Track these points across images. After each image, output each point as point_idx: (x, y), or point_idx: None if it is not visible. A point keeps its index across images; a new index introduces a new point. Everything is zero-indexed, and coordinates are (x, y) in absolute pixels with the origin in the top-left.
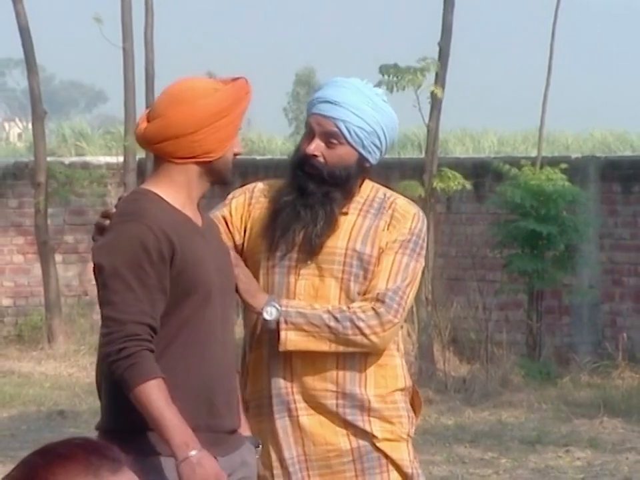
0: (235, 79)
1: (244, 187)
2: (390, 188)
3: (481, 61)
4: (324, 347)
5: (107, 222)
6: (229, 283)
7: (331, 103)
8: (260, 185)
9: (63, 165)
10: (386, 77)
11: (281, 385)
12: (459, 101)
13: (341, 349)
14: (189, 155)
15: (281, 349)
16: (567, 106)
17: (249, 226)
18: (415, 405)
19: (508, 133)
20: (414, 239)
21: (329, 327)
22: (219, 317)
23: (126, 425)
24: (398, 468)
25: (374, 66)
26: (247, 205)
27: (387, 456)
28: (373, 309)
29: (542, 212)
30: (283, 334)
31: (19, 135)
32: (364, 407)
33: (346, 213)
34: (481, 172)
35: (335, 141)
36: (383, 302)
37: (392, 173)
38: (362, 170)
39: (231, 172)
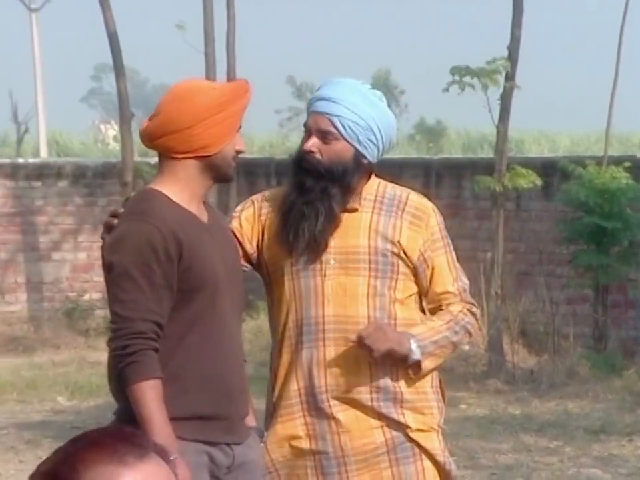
0: (237, 81)
1: (251, 198)
2: (397, 183)
3: (555, 64)
4: (445, 357)
5: (116, 221)
6: (236, 275)
7: (326, 100)
8: (266, 194)
9: (149, 164)
10: (457, 77)
11: (315, 384)
12: (535, 102)
13: (453, 352)
14: (187, 149)
15: (418, 376)
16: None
17: (263, 235)
18: (443, 394)
19: (582, 133)
20: (444, 233)
21: (453, 343)
22: (228, 309)
23: None
24: (430, 457)
25: (446, 67)
26: (256, 215)
27: (419, 445)
28: (469, 310)
29: (606, 209)
30: (423, 365)
31: (114, 137)
32: (397, 399)
33: (357, 209)
34: (549, 171)
35: (330, 137)
36: (467, 301)
37: (464, 171)
38: (359, 166)
39: (233, 169)
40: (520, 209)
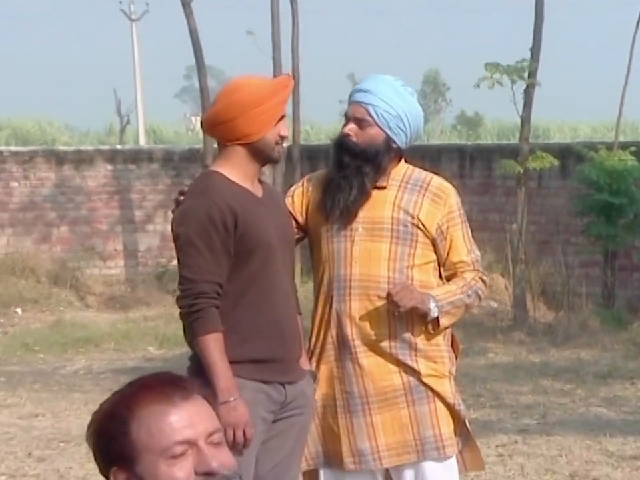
0: (280, 76)
1: (301, 180)
2: (424, 169)
3: (578, 60)
4: (459, 316)
5: (182, 198)
6: (288, 240)
7: (364, 91)
8: (313, 175)
9: None
10: (489, 73)
11: (344, 332)
12: (560, 94)
13: (465, 313)
14: (233, 137)
15: (436, 332)
16: None
17: (308, 207)
18: (454, 348)
19: (600, 122)
20: (462, 211)
21: (466, 304)
22: (281, 268)
23: None
24: (442, 399)
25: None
26: (304, 192)
27: (432, 389)
28: (480, 278)
29: (614, 187)
30: (440, 322)
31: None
32: (412, 348)
33: (384, 187)
34: (566, 154)
35: (365, 123)
36: (478, 270)
37: (493, 155)
38: (390, 149)
39: (277, 152)
40: (541, 187)
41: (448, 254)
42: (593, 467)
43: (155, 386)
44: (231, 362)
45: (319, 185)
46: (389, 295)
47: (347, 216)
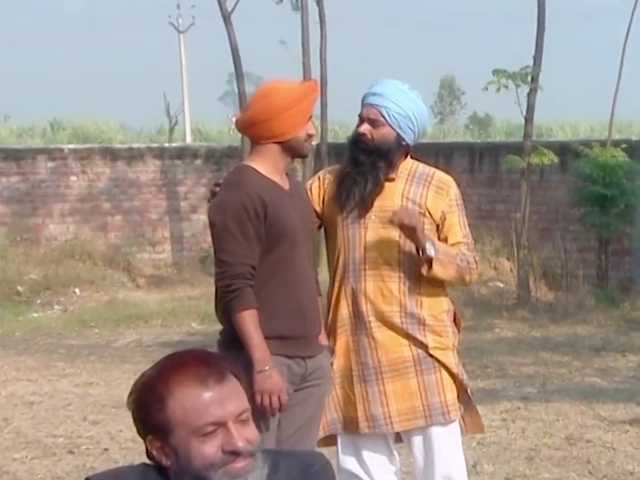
0: (307, 81)
1: (317, 174)
2: (437, 164)
3: (577, 63)
4: (450, 275)
5: (218, 189)
6: (310, 228)
7: (377, 95)
8: (328, 169)
9: None
10: (496, 77)
11: (359, 310)
12: (562, 96)
13: (456, 278)
14: (268, 136)
15: (428, 274)
16: None
17: (325, 198)
18: (457, 324)
19: (598, 121)
20: (460, 201)
21: (458, 265)
22: (304, 254)
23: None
24: (447, 369)
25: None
26: (321, 184)
27: (438, 360)
28: (473, 257)
29: (607, 180)
30: (434, 267)
31: None
32: (420, 323)
33: (394, 179)
34: (565, 151)
35: (379, 123)
36: (472, 251)
37: (500, 152)
38: (400, 146)
39: (306, 148)
40: (542, 180)
41: (446, 237)
42: (586, 430)
43: (192, 366)
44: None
45: (333, 178)
46: (394, 213)
47: (363, 206)
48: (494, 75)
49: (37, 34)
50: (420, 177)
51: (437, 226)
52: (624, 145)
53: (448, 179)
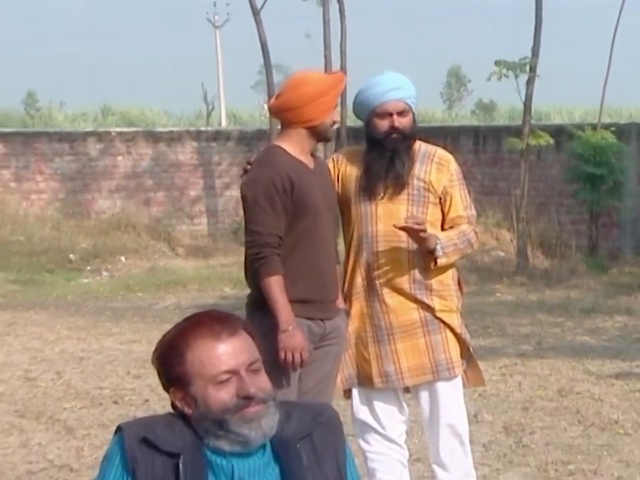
0: (335, 72)
1: (332, 156)
2: (445, 146)
3: (575, 52)
4: (454, 259)
5: (249, 167)
6: (332, 204)
7: (396, 89)
8: (342, 151)
9: None
10: (497, 68)
11: (372, 278)
12: (559, 82)
13: (460, 257)
14: (298, 122)
15: (436, 267)
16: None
17: (339, 178)
18: (460, 288)
19: (593, 106)
20: (460, 175)
21: (460, 249)
22: (325, 227)
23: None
24: (451, 329)
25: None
26: (335, 165)
27: (443, 322)
28: (473, 230)
29: (597, 160)
30: (439, 261)
31: None
32: (427, 289)
33: None
34: (560, 133)
35: (405, 113)
36: (472, 224)
37: (502, 134)
38: (416, 125)
39: (331, 133)
40: (539, 160)
41: (448, 210)
42: (576, 384)
43: (207, 323)
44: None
45: (348, 160)
46: (407, 219)
47: (400, 184)
48: (496, 65)
49: (89, 30)
50: (423, 155)
51: (440, 199)
52: (613, 128)
53: (447, 155)
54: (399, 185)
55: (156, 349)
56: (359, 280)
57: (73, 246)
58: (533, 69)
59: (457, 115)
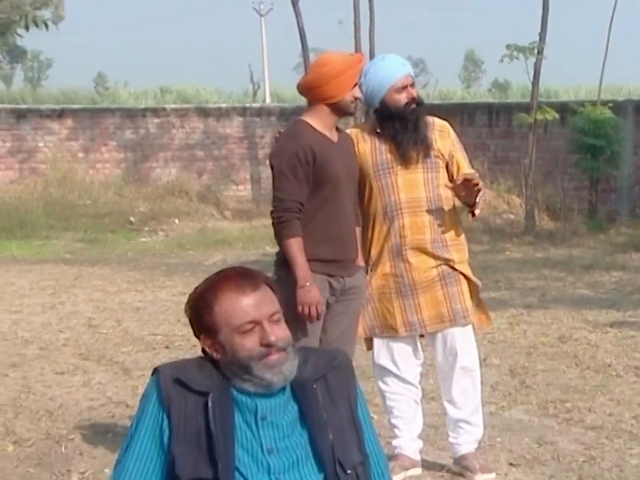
0: (355, 54)
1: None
2: (462, 121)
3: (583, 35)
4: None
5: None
6: (352, 175)
7: (403, 65)
8: (358, 126)
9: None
10: (509, 51)
11: (398, 241)
12: (567, 63)
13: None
14: (320, 99)
15: (473, 219)
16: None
17: (359, 152)
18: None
19: (596, 85)
20: (457, 139)
21: (484, 201)
22: (346, 195)
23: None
24: (466, 278)
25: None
26: (355, 141)
27: (459, 272)
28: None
29: (596, 132)
30: (476, 213)
31: None
32: (445, 245)
33: None
34: (564, 109)
35: (414, 85)
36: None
37: (513, 110)
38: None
39: (353, 108)
40: (546, 133)
41: (457, 171)
42: (575, 331)
43: (232, 278)
44: (308, 260)
45: (361, 136)
46: (468, 178)
47: (428, 147)
48: (507, 48)
49: (150, 18)
50: (425, 125)
51: (447, 163)
52: (611, 105)
53: (445, 123)
54: (429, 147)
55: (188, 301)
56: (385, 244)
57: (132, 209)
58: (540, 52)
59: (475, 93)
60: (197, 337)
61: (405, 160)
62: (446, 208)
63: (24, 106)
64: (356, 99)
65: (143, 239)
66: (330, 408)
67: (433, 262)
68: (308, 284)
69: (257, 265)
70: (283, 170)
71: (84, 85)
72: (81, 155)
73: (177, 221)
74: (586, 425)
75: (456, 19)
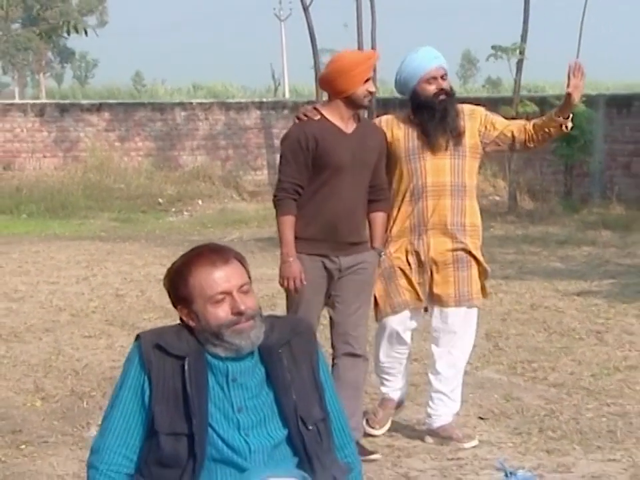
0: (368, 51)
1: (379, 120)
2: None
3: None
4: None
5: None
6: (363, 163)
7: (435, 57)
8: (383, 119)
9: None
10: (493, 51)
11: (420, 222)
12: (553, 60)
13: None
14: (334, 92)
15: (567, 129)
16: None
17: (393, 138)
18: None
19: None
20: (488, 113)
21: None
22: (349, 181)
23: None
24: (478, 262)
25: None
26: (390, 128)
27: (473, 256)
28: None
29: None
30: (569, 124)
31: None
32: (463, 229)
33: None
34: (543, 102)
35: (445, 76)
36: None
37: (498, 104)
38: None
39: (366, 101)
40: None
41: (500, 129)
42: (546, 300)
43: (205, 254)
44: (300, 238)
45: (394, 125)
46: (579, 69)
47: (460, 136)
48: (492, 49)
49: (182, 22)
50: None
51: (477, 145)
52: (584, 99)
53: (473, 107)
54: (459, 135)
55: (166, 275)
56: (407, 224)
57: (161, 192)
58: (521, 52)
59: (471, 89)
60: (175, 306)
61: (432, 147)
62: (468, 195)
63: (67, 101)
64: (370, 92)
65: (170, 219)
66: (294, 370)
67: (450, 244)
68: (291, 259)
69: (270, 241)
70: (285, 154)
71: (125, 83)
72: (116, 144)
73: (200, 202)
74: (549, 382)
75: (453, 22)
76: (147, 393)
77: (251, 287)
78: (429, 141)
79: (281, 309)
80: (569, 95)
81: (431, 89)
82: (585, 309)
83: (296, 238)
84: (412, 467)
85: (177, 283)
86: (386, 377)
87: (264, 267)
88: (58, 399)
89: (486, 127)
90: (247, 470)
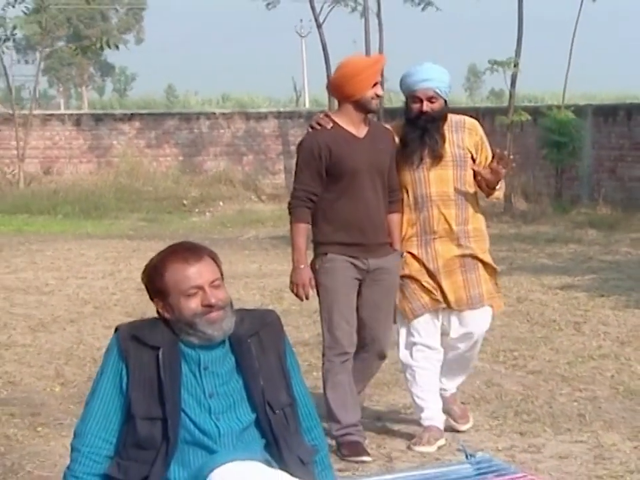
0: (375, 55)
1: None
2: (456, 113)
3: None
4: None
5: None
6: (378, 166)
7: (427, 80)
8: (393, 123)
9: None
10: (490, 65)
11: (426, 230)
12: (549, 73)
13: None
14: (342, 97)
15: (490, 199)
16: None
17: (399, 145)
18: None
19: (572, 91)
20: (484, 137)
21: (501, 187)
22: (367, 185)
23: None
24: (486, 264)
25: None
26: (397, 134)
27: (480, 260)
28: None
29: (561, 131)
30: (498, 193)
31: None
32: (468, 235)
33: (443, 132)
34: (536, 112)
35: (434, 99)
36: None
37: (495, 113)
38: (446, 107)
39: (374, 105)
40: (522, 132)
41: (483, 161)
42: (531, 293)
43: (179, 251)
44: (327, 243)
45: (397, 132)
46: (504, 158)
47: (437, 156)
48: (489, 63)
49: (211, 36)
50: (456, 125)
51: (473, 157)
52: (573, 108)
53: (474, 122)
54: (436, 156)
55: (144, 270)
56: (413, 231)
57: (186, 194)
58: (515, 65)
59: (476, 100)
60: (152, 299)
61: (405, 160)
62: (471, 202)
63: (101, 111)
64: (377, 96)
65: (193, 219)
66: (262, 359)
67: (456, 251)
68: (302, 266)
69: (283, 239)
70: (299, 163)
71: (160, 94)
72: (146, 150)
73: (221, 203)
74: (528, 369)
75: (460, 37)
76: (125, 380)
77: (223, 281)
78: (404, 152)
79: (287, 302)
80: (476, 172)
81: (415, 107)
82: (566, 302)
83: (327, 243)
84: (395, 448)
85: (154, 278)
86: (423, 396)
87: (275, 264)
88: (76, 384)
89: (478, 149)
90: (216, 452)
